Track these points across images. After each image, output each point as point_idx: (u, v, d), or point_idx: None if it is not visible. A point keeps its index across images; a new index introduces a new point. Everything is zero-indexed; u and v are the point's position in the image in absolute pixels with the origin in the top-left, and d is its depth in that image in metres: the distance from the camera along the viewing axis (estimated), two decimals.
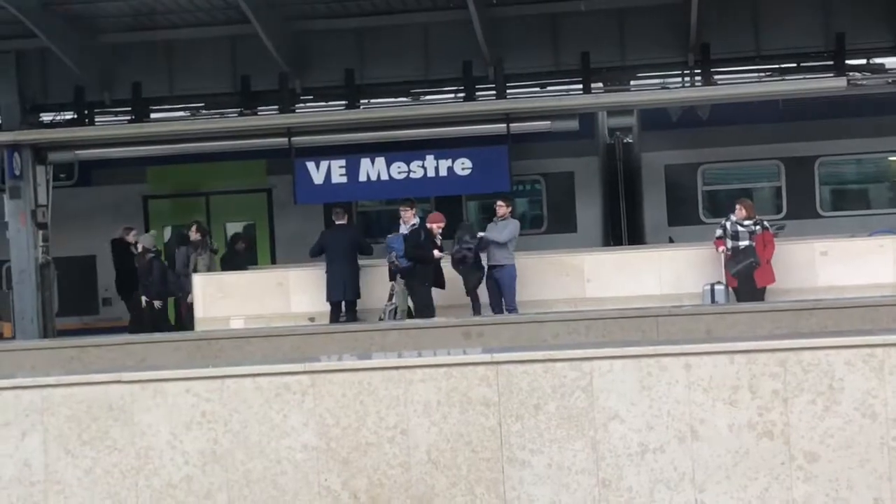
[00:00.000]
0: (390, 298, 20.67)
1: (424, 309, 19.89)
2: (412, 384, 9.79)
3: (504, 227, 20.55)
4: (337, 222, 21.83)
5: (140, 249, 23.33)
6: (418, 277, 20.15)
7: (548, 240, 24.77)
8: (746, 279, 20.16)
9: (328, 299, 20.95)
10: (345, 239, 21.37)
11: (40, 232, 23.95)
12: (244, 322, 21.08)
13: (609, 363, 9.71)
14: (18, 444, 9.92)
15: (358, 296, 21.08)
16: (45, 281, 23.84)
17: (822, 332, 14.54)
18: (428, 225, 20.48)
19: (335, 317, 20.91)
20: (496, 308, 20.40)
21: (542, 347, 11.41)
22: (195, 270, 22.67)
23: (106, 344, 18.00)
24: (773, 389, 9.54)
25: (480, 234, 20.71)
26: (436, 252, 20.26)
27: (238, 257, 24.42)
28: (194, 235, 22.92)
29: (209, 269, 22.78)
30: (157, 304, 23.06)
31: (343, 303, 21.06)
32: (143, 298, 23.17)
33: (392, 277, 20.64)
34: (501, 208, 20.80)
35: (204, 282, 22.13)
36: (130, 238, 24.12)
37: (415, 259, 20.10)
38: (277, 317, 21.05)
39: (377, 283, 21.13)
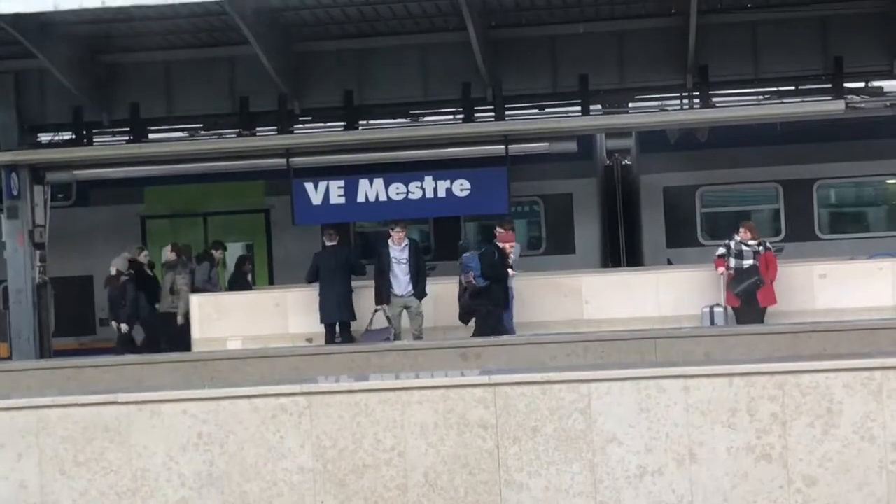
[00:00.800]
0: (371, 323, 20.52)
1: (493, 330, 19.74)
2: (409, 406, 9.77)
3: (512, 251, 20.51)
4: (328, 243, 21.73)
5: (113, 272, 23.21)
6: (493, 297, 20.01)
7: (546, 261, 24.74)
8: (749, 298, 20.15)
9: (322, 321, 20.88)
10: (338, 260, 21.31)
11: (37, 252, 23.93)
12: (241, 343, 21.04)
13: (607, 385, 9.69)
14: (14, 466, 9.89)
15: (353, 317, 21.02)
16: (41, 301, 23.80)
17: (820, 354, 14.52)
18: (500, 244, 20.37)
19: (330, 338, 20.85)
20: None
21: (539, 369, 11.38)
22: (173, 290, 22.60)
23: (102, 365, 17.95)
24: (771, 412, 9.52)
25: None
26: (509, 271, 20.26)
27: (245, 279, 24.32)
28: (170, 255, 22.88)
29: (188, 285, 22.71)
30: (123, 327, 22.95)
31: (338, 324, 20.99)
32: (113, 323, 23.13)
33: (378, 301, 20.45)
34: (503, 234, 20.71)
35: (201, 302, 22.10)
36: (142, 258, 24.06)
37: (491, 278, 19.99)
38: (275, 337, 21.01)
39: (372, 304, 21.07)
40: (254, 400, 9.86)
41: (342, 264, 21.25)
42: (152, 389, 11.16)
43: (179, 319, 22.65)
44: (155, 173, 24.44)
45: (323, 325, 20.94)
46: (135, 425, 9.88)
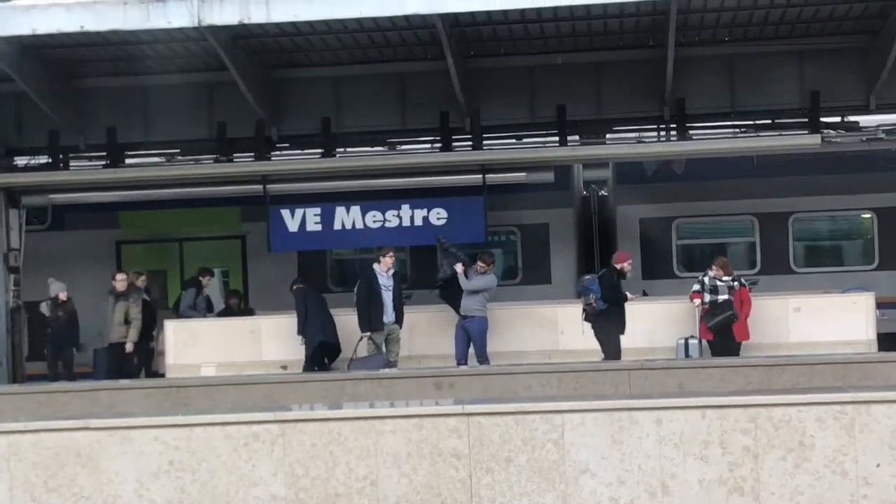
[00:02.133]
0: (356, 352, 20.45)
1: (616, 352, 19.77)
2: (383, 435, 9.75)
3: (478, 278, 20.50)
4: (296, 287, 21.71)
5: (64, 298, 23.04)
6: (612, 320, 20.06)
7: (522, 291, 24.73)
8: (724, 332, 20.17)
9: (315, 344, 20.72)
10: (320, 298, 21.38)
11: (12, 276, 23.81)
12: (215, 370, 20.97)
13: (581, 416, 9.70)
14: None
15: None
16: (15, 325, 23.67)
17: (793, 388, 14.57)
18: (618, 265, 20.37)
19: (323, 364, 20.76)
20: (462, 360, 20.32)
21: (513, 399, 11.40)
22: (127, 320, 22.36)
23: (74, 390, 17.88)
24: (743, 445, 9.54)
25: (459, 266, 20.69)
26: (627, 294, 20.39)
27: (232, 312, 24.06)
28: (121, 285, 22.71)
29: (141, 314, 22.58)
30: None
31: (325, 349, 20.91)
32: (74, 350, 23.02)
33: (366, 329, 20.40)
34: (483, 268, 20.71)
35: (176, 328, 22.03)
36: (140, 283, 23.90)
37: (611, 301, 20.01)
38: (249, 365, 20.95)
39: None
40: (226, 427, 9.84)
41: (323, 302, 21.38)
42: (124, 416, 11.11)
43: (128, 346, 22.35)
44: (131, 198, 24.36)
45: (314, 349, 20.81)
46: (106, 451, 9.84)
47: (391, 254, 20.86)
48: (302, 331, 20.81)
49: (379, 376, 18.09)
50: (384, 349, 20.42)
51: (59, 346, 23.11)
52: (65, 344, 23.12)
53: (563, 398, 12.11)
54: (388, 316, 20.47)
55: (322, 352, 20.80)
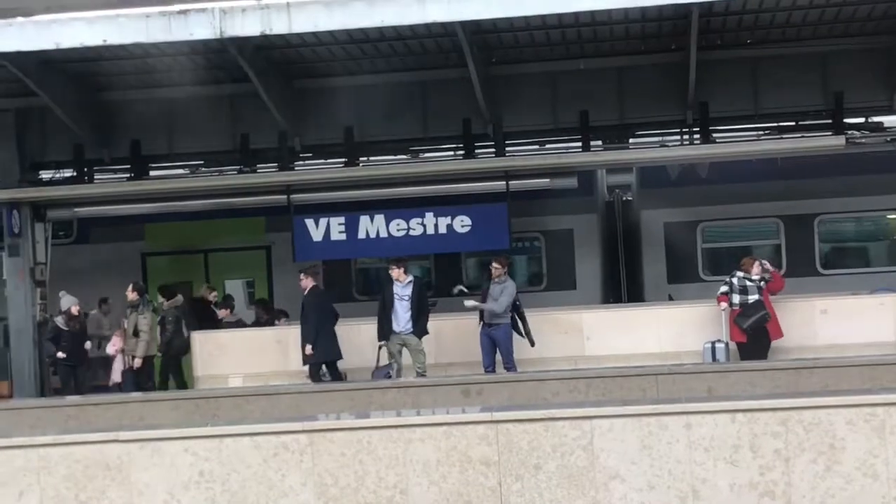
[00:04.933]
0: (378, 360, 20.46)
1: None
2: (411, 443, 9.74)
3: (500, 293, 20.43)
4: (314, 286, 21.56)
5: (77, 312, 22.99)
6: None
7: (547, 297, 24.69)
8: (758, 333, 20.11)
9: (333, 357, 20.72)
10: (329, 302, 21.35)
11: (38, 289, 23.90)
12: (243, 380, 21.00)
13: (609, 422, 9.67)
14: None
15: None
16: (42, 338, 23.74)
17: (822, 391, 14.50)
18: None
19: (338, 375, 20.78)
20: (490, 367, 20.30)
21: (541, 406, 11.37)
22: (136, 332, 22.14)
23: (104, 402, 17.93)
24: (774, 449, 9.50)
25: (471, 302, 20.68)
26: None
27: (259, 323, 23.94)
28: (131, 296, 22.48)
29: (151, 327, 22.43)
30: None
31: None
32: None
33: (380, 337, 20.42)
34: (497, 270, 20.66)
35: (202, 339, 22.08)
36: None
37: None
38: (276, 374, 20.98)
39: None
40: (255, 437, 9.84)
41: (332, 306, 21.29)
42: (154, 427, 11.13)
43: (137, 362, 22.10)
44: (156, 210, 24.43)
45: (327, 363, 20.82)
46: (136, 464, 9.85)
47: (393, 266, 20.68)
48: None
49: (405, 385, 18.10)
50: (402, 359, 20.40)
51: (72, 360, 23.08)
52: (77, 358, 23.08)
53: (591, 404, 12.07)
54: (400, 325, 20.39)
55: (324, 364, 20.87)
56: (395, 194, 23.50)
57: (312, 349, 20.57)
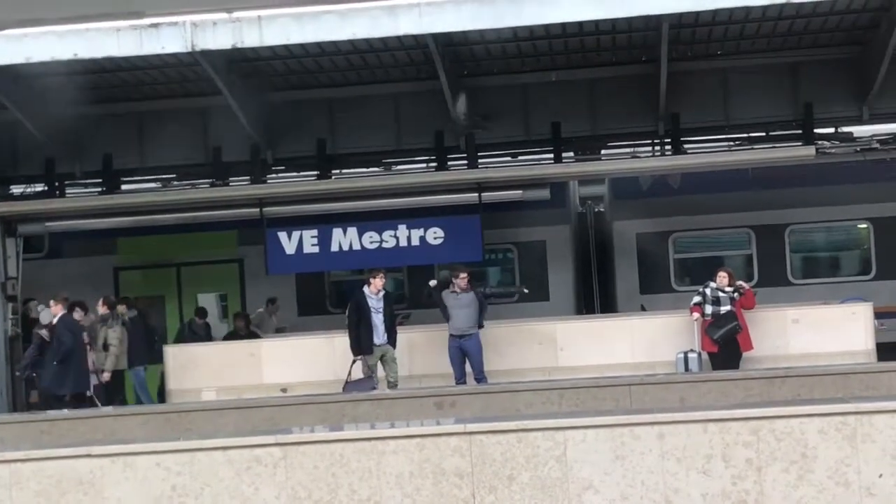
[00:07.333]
0: (350, 374, 20.30)
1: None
2: (385, 455, 9.74)
3: (470, 304, 20.44)
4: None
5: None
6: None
7: (520, 308, 24.71)
8: (729, 343, 20.16)
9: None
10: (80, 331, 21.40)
11: (10, 304, 23.78)
12: (216, 394, 20.93)
13: (583, 433, 9.69)
14: None
15: None
16: (14, 354, 23.62)
17: (794, 400, 14.56)
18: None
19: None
20: (461, 379, 20.27)
21: (515, 417, 11.37)
22: (105, 346, 21.94)
23: (76, 417, 17.84)
24: (746, 458, 9.53)
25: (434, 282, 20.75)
26: None
27: (239, 336, 23.85)
28: (102, 309, 22.28)
29: (121, 341, 22.31)
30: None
31: None
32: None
33: (358, 352, 20.27)
34: (464, 280, 20.64)
35: (175, 353, 22.01)
36: (122, 310, 23.74)
37: None
38: (250, 388, 20.91)
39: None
40: (228, 451, 9.82)
41: None
42: (126, 442, 11.09)
43: (105, 376, 21.89)
44: (128, 224, 24.34)
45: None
46: (109, 478, 9.82)
47: (381, 275, 20.69)
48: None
49: (379, 397, 18.07)
50: (377, 371, 20.33)
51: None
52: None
53: (564, 415, 12.10)
54: (380, 338, 20.33)
55: None
56: (368, 207, 23.48)
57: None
